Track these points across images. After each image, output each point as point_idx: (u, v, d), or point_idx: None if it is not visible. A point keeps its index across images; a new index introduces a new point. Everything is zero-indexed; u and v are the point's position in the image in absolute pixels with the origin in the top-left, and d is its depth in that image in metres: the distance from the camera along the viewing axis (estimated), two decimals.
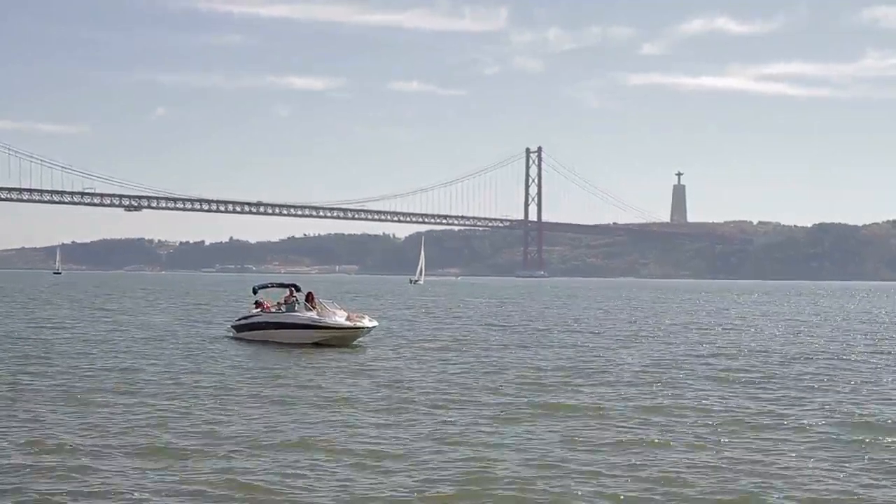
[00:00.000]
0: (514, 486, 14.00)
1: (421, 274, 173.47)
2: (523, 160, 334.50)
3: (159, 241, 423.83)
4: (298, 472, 14.88)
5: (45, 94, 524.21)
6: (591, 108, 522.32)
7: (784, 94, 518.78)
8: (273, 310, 38.52)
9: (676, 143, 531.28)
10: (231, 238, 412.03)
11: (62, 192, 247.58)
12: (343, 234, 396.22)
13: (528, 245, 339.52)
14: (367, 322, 36.70)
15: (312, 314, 36.57)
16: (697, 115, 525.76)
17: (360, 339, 36.62)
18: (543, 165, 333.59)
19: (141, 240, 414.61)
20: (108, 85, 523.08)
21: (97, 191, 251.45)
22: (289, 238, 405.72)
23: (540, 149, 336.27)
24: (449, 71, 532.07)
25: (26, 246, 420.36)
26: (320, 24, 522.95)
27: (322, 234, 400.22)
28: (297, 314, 37.02)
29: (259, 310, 39.13)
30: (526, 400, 22.04)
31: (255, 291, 41.72)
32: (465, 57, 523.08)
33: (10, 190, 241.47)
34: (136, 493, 13.56)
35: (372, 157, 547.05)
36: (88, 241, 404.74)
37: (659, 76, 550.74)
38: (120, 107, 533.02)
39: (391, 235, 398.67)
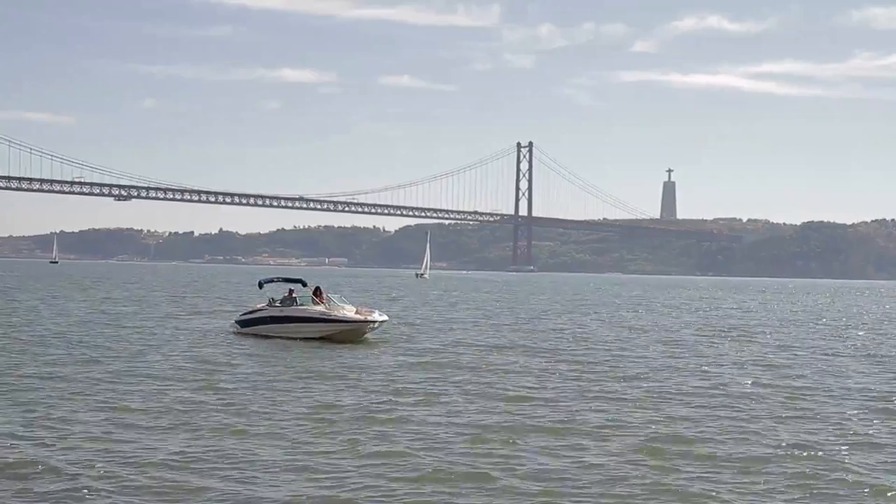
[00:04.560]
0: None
1: (426, 268, 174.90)
2: (514, 155, 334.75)
3: (148, 231, 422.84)
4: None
5: (33, 83, 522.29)
6: (582, 105, 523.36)
7: (775, 92, 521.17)
8: (278, 304, 37.71)
9: (667, 141, 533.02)
10: (220, 229, 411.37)
11: (52, 181, 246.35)
12: (332, 227, 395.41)
13: (518, 240, 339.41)
14: (377, 316, 36.09)
15: (320, 308, 36.00)
16: (688, 112, 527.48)
17: (368, 334, 35.86)
18: (534, 161, 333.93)
19: (130, 230, 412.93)
20: (98, 75, 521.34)
21: (87, 180, 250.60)
22: (278, 230, 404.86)
23: (531, 144, 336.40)
24: (441, 66, 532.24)
25: (14, 234, 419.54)
26: (312, 18, 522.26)
27: (311, 226, 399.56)
28: (305, 307, 36.31)
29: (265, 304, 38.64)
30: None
31: (261, 286, 41.14)
32: (457, 52, 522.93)
33: None
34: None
35: (363, 151, 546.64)
36: (77, 230, 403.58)
37: (651, 73, 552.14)
38: (109, 97, 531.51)
39: (381, 228, 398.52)
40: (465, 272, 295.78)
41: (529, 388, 23.88)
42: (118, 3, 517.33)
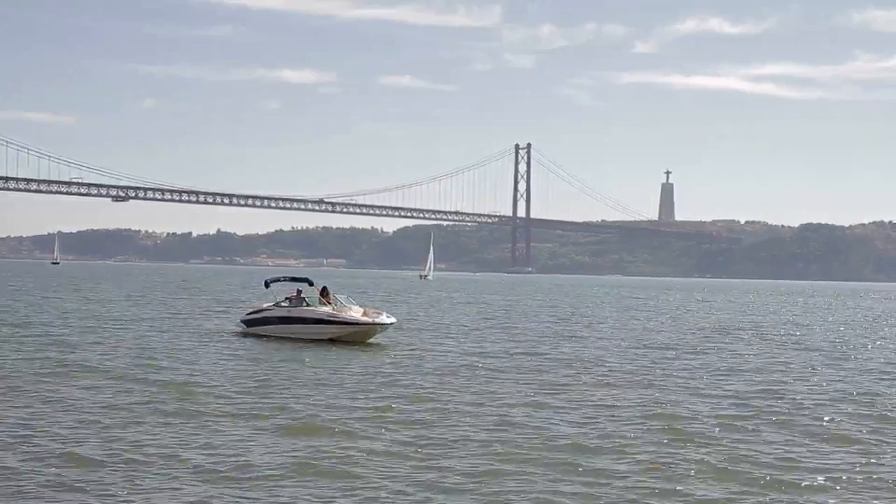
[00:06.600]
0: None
1: (430, 269, 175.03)
2: (513, 156, 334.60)
3: (146, 231, 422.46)
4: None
5: (33, 83, 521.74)
6: (582, 106, 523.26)
7: (775, 94, 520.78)
8: (285, 304, 37.23)
9: (666, 142, 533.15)
10: (219, 230, 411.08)
11: (50, 182, 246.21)
12: (331, 228, 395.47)
13: (517, 241, 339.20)
14: (384, 318, 35.55)
15: (328, 309, 35.50)
16: (688, 114, 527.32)
17: (376, 336, 35.29)
18: (533, 162, 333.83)
19: (128, 230, 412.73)
20: (98, 75, 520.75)
21: (85, 181, 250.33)
22: (276, 231, 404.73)
23: (529, 145, 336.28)
24: (441, 66, 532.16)
25: (13, 235, 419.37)
26: (312, 18, 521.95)
27: (310, 227, 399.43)
28: (312, 308, 35.82)
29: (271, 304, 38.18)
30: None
31: (267, 285, 40.69)
32: (457, 52, 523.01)
33: None
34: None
35: (363, 151, 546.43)
36: (74, 230, 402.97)
37: (651, 75, 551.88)
38: (109, 97, 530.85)
39: (379, 229, 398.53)
40: (476, 274, 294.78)
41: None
42: (118, 3, 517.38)
